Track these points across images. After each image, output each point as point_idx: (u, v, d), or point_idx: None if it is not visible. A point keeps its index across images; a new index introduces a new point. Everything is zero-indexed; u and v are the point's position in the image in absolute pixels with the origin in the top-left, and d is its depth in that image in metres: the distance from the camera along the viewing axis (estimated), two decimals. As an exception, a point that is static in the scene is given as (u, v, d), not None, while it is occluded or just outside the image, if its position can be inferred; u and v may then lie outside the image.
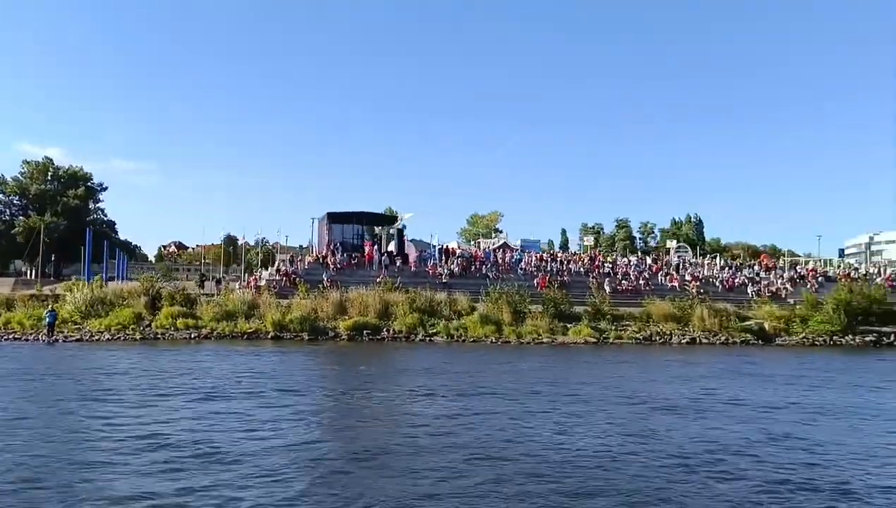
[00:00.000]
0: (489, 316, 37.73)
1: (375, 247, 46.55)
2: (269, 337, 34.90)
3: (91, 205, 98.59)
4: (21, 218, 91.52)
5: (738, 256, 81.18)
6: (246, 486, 9.66)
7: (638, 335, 37.80)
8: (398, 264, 45.54)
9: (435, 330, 36.64)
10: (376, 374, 23.35)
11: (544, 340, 36.15)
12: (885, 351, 36.35)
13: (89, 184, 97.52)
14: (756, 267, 50.37)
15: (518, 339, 36.07)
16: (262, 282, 42.18)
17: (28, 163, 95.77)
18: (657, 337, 37.87)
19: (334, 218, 47.45)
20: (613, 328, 38.25)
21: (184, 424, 13.61)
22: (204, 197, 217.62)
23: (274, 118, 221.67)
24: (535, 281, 44.19)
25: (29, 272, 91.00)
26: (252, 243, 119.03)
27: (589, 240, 73.72)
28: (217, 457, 11.10)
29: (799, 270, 49.77)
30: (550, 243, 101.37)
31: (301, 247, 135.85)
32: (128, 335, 33.65)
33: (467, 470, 10.72)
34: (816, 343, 38.34)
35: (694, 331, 38.46)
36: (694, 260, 54.89)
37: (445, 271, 44.72)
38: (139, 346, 30.65)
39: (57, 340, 31.77)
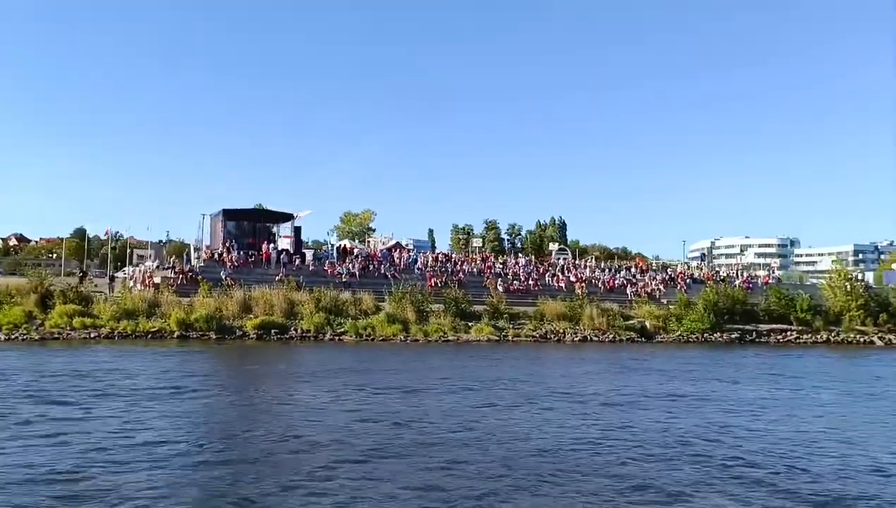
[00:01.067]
0: (395, 316, 38.63)
1: (272, 245, 46.11)
2: (175, 336, 34.09)
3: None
4: None
5: (599, 258, 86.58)
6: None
7: (534, 333, 39.97)
8: (297, 263, 45.43)
9: (342, 330, 37.09)
10: (286, 374, 23.79)
11: (450, 338, 37.58)
12: (749, 347, 40.58)
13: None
14: (633, 270, 54.29)
15: (425, 337, 37.25)
16: (158, 279, 40.84)
17: None
18: (552, 335, 40.22)
19: (230, 214, 46.60)
20: (511, 326, 40.26)
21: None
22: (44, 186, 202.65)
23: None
24: (431, 281, 45.49)
25: None
26: (104, 237, 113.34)
27: (477, 242, 75.82)
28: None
29: (669, 272, 54.15)
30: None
31: (162, 241, 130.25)
32: (24, 335, 31.80)
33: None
34: (690, 340, 42.13)
35: (584, 330, 41.15)
36: (576, 261, 58.18)
37: (345, 271, 45.11)
38: (35, 347, 29.13)
39: None
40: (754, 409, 18.29)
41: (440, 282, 45.49)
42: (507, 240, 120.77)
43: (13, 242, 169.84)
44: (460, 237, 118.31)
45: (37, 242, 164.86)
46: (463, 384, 21.29)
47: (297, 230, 48.33)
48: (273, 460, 11.49)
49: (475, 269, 49.71)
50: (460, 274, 47.59)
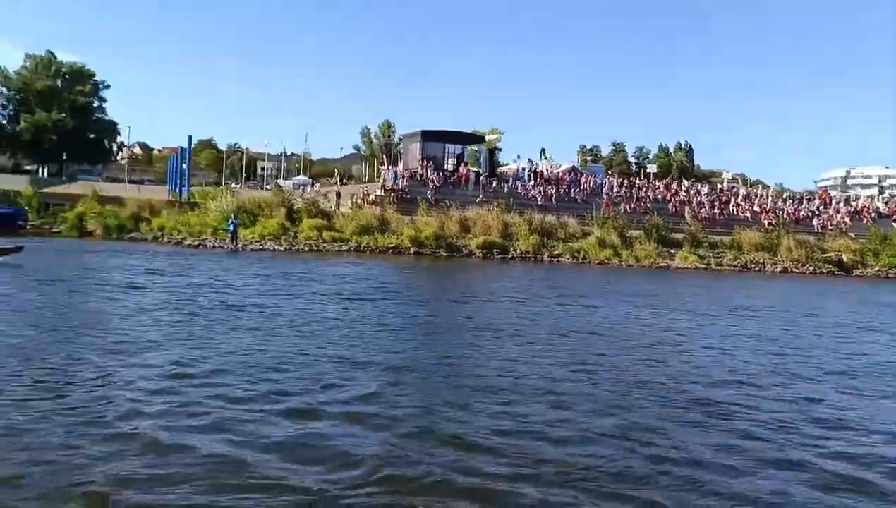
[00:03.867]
0: (604, 240, 40.29)
1: (469, 166, 48.09)
2: (411, 252, 36.78)
3: (96, 104, 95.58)
4: (27, 114, 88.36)
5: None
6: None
7: (735, 262, 41.04)
8: (494, 185, 47.37)
9: (557, 252, 39.07)
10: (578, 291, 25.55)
11: (660, 264, 39.08)
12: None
13: (94, 81, 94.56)
14: (815, 201, 54.09)
15: (637, 262, 38.87)
16: (371, 197, 43.54)
17: (31, 56, 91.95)
18: (752, 265, 41.21)
19: (427, 136, 48.65)
20: (711, 255, 41.39)
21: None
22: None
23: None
24: (621, 207, 46.73)
25: (41, 171, 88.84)
26: (262, 150, 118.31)
27: (652, 168, 75.93)
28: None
29: (854, 206, 53.72)
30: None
31: (283, 154, 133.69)
32: (290, 246, 35.01)
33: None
34: (889, 276, 42.27)
35: (783, 261, 41.87)
36: (753, 190, 58.05)
37: (538, 193, 46.78)
38: (307, 256, 32.12)
39: (240, 248, 33.02)
40: None
41: (629, 208, 46.72)
42: (635, 162, 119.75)
43: (137, 150, 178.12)
44: (586, 159, 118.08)
45: (159, 151, 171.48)
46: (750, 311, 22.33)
47: (492, 152, 50.00)
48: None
49: (660, 196, 50.55)
50: (646, 201, 48.61)
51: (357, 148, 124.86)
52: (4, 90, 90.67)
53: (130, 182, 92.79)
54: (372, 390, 8.57)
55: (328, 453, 6.35)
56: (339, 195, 43.59)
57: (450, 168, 48.76)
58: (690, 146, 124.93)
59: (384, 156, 64.12)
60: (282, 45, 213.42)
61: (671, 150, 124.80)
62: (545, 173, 50.81)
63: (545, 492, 5.77)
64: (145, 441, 6.42)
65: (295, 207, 38.92)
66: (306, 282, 21.13)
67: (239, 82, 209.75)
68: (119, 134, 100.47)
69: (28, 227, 35.28)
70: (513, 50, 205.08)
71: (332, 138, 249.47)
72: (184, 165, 45.45)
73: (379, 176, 58.43)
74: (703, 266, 39.65)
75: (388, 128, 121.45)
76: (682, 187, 54.43)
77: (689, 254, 40.51)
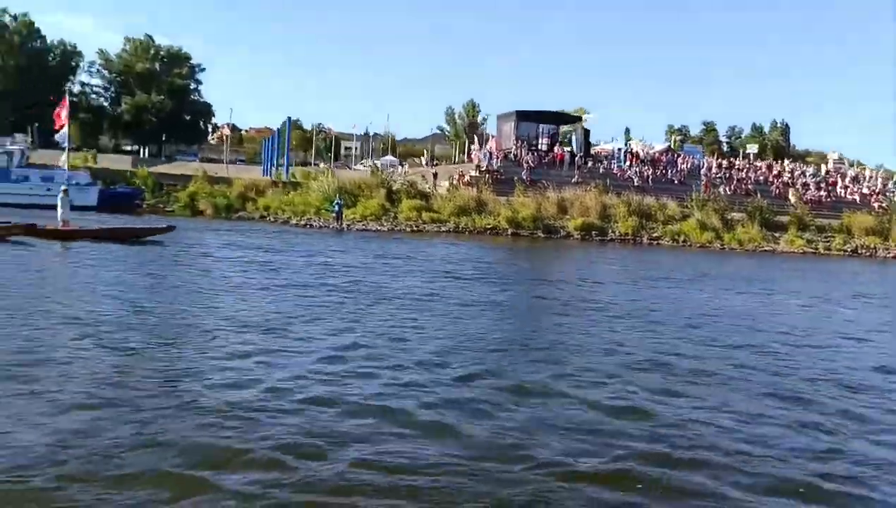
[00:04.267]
0: (705, 223, 39.30)
1: (564, 147, 47.64)
2: (509, 233, 36.77)
3: (192, 86, 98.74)
4: (128, 96, 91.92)
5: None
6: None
7: (844, 247, 39.41)
8: (589, 165, 46.80)
9: (656, 234, 38.38)
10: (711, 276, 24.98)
11: (766, 248, 37.90)
12: None
13: (190, 64, 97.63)
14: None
15: (740, 246, 37.78)
16: (466, 178, 43.62)
17: (130, 40, 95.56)
18: (862, 250, 39.50)
19: (522, 116, 48.35)
20: (819, 239, 39.86)
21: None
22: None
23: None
24: (720, 188, 45.45)
25: (142, 151, 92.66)
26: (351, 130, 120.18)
27: (753, 148, 73.51)
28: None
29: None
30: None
31: (368, 134, 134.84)
32: (379, 227, 35.42)
33: None
34: None
35: (896, 246, 39.98)
36: (861, 172, 55.43)
37: (635, 175, 45.97)
38: (408, 236, 32.53)
39: (344, 228, 33.81)
40: None
41: (729, 190, 45.42)
42: (726, 142, 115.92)
43: (227, 131, 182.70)
44: (676, 138, 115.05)
45: (247, 131, 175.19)
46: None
47: (587, 133, 49.35)
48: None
49: (762, 177, 48.92)
50: (746, 183, 47.17)
51: (441, 128, 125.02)
52: (106, 73, 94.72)
53: (223, 162, 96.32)
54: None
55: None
56: (435, 176, 43.85)
57: (544, 148, 48.36)
58: (787, 125, 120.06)
59: (474, 137, 64.04)
60: (356, 26, 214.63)
61: (765, 130, 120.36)
62: (641, 154, 49.77)
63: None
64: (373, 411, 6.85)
65: (393, 188, 39.40)
66: (420, 262, 21.54)
67: (316, 64, 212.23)
68: (213, 115, 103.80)
69: (144, 206, 36.95)
70: (591, 28, 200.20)
71: (413, 118, 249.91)
72: (282, 146, 46.52)
73: (467, 156, 58.64)
74: (812, 250, 38.22)
75: (472, 108, 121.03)
76: (786, 168, 52.40)
77: (796, 238, 39.12)
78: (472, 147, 54.85)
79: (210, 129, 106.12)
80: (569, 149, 49.11)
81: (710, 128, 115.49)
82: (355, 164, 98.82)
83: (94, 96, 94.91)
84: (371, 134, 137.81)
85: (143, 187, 38.26)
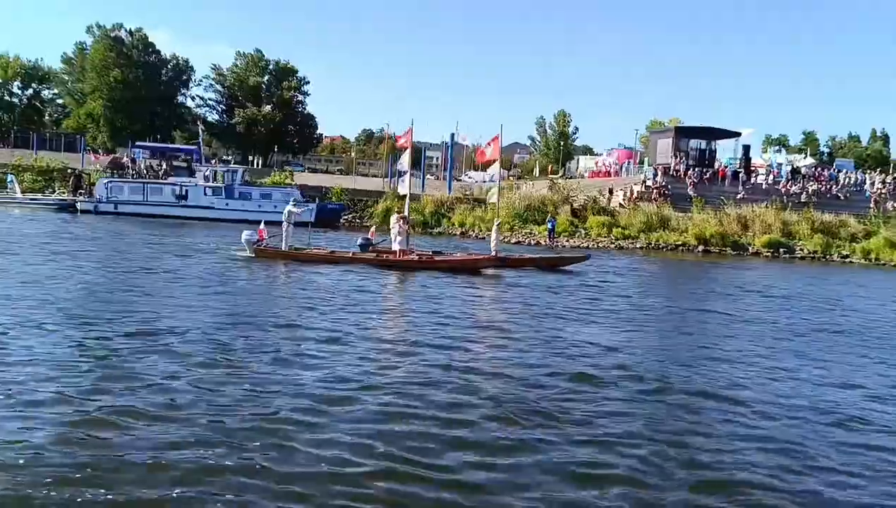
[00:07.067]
0: (893, 240, 38.72)
1: (725, 163, 47.56)
2: (700, 251, 36.89)
3: (299, 98, 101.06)
4: (240, 109, 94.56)
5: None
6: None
7: None
8: (752, 181, 46.60)
9: (845, 252, 37.99)
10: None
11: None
12: None
13: (297, 77, 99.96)
14: None
15: (937, 265, 37.17)
16: (635, 195, 43.83)
17: (241, 55, 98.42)
18: None
19: (682, 132, 48.44)
20: None
21: None
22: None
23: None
24: (889, 204, 44.72)
25: (256, 162, 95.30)
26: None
27: None
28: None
29: None
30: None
31: (447, 143, 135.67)
32: (583, 244, 36.02)
33: None
34: None
35: None
36: None
37: (800, 191, 45.58)
38: (617, 253, 32.93)
39: (557, 244, 34.51)
40: None
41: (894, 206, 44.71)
42: (827, 153, 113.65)
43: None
44: (767, 149, 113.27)
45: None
46: None
47: (746, 148, 49.12)
48: None
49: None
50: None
51: (532, 138, 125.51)
52: (220, 87, 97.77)
53: (326, 172, 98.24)
54: None
55: None
56: (611, 191, 44.15)
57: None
58: (887, 134, 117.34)
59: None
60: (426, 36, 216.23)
61: (862, 139, 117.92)
62: (803, 170, 49.32)
63: None
64: None
65: (574, 205, 39.91)
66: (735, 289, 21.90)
67: (385, 74, 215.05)
68: (317, 126, 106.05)
69: (342, 222, 38.27)
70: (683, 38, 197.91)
71: (481, 127, 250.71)
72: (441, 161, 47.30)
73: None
74: None
75: (563, 117, 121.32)
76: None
77: None
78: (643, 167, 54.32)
79: (315, 140, 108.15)
80: (725, 164, 49.01)
81: (811, 138, 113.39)
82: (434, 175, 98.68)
83: (207, 109, 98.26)
84: (450, 143, 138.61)
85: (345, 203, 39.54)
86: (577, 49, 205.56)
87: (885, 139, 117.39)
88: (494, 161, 23.34)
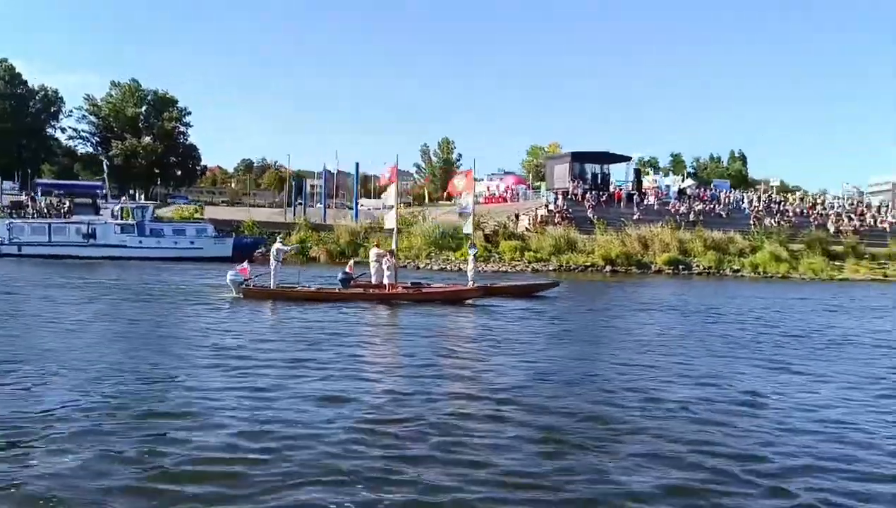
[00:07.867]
0: (777, 254, 41.96)
1: (619, 187, 50.06)
2: (607, 271, 38.56)
3: (181, 129, 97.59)
4: (117, 141, 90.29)
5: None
6: None
7: (902, 272, 42.74)
8: (645, 203, 49.27)
9: (736, 267, 40.82)
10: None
11: (836, 277, 40.77)
12: None
13: (177, 107, 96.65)
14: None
15: (814, 275, 40.49)
16: (539, 219, 45.34)
17: (117, 85, 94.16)
18: (919, 275, 42.94)
19: (577, 157, 50.62)
20: (875, 265, 43.09)
21: None
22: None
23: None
24: (765, 221, 48.55)
25: (139, 195, 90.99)
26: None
27: (775, 181, 77.77)
28: None
29: None
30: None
31: (330, 172, 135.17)
32: (503, 268, 36.88)
33: None
34: None
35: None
36: (883, 202, 59.89)
37: (686, 210, 48.65)
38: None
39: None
40: None
41: (773, 223, 48.57)
42: (693, 174, 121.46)
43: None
44: (647, 171, 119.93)
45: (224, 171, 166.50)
46: None
47: (637, 172, 51.91)
48: None
49: (798, 209, 52.41)
50: (790, 215, 50.50)
51: (417, 165, 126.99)
52: (94, 118, 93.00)
53: (210, 203, 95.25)
54: None
55: None
56: (517, 216, 45.43)
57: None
58: (744, 155, 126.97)
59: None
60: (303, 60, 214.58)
61: (722, 159, 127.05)
62: (688, 191, 52.69)
63: None
64: None
65: (486, 230, 40.81)
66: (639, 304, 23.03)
67: (262, 101, 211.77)
68: (200, 158, 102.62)
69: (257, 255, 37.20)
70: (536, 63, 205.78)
71: (357, 155, 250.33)
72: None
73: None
74: (879, 277, 41.23)
75: (447, 144, 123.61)
76: (819, 201, 56.29)
77: (860, 266, 42.12)
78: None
79: (199, 171, 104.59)
80: (619, 186, 51.64)
81: (678, 160, 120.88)
82: (315, 203, 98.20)
83: (80, 141, 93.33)
84: (335, 171, 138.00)
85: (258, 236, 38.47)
86: (458, 72, 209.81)
87: (744, 159, 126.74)
88: (462, 192, 23.83)
